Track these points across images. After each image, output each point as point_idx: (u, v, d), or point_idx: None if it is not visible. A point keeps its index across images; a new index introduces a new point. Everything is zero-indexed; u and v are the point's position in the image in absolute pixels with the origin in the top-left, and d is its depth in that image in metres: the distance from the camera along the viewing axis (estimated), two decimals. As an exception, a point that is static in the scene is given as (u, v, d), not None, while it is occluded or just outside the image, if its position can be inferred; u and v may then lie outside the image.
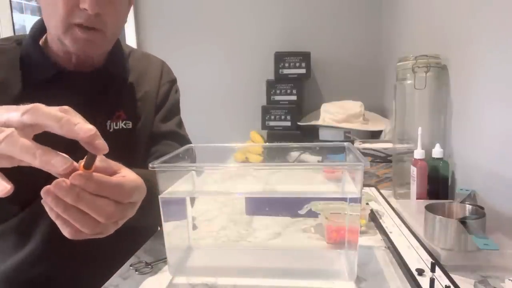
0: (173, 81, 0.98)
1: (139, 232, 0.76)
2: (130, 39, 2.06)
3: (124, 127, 0.83)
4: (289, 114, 1.75)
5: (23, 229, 0.76)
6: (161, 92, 0.93)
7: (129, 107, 0.85)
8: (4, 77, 0.72)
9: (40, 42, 0.78)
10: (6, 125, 0.38)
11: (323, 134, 1.62)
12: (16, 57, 0.75)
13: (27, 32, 0.80)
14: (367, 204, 0.83)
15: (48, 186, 0.40)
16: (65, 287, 0.78)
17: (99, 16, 0.70)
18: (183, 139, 0.93)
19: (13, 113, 0.39)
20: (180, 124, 0.97)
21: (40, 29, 0.79)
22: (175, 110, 0.97)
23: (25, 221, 0.75)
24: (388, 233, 0.71)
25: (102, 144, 0.40)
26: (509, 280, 0.51)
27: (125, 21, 0.80)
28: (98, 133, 0.40)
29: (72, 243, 0.67)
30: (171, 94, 0.96)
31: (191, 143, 0.95)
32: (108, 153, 0.41)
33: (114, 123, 0.82)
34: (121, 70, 0.84)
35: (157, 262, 0.65)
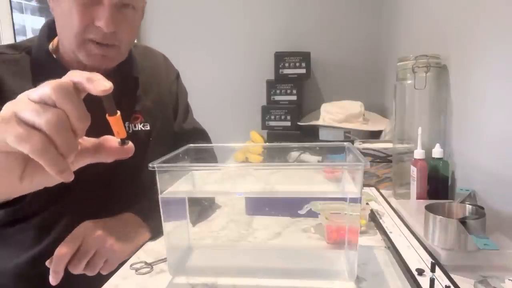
0: (178, 75, 1.02)
1: None
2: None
3: (143, 128, 0.85)
4: (289, 114, 1.75)
5: (42, 226, 0.77)
6: (172, 91, 0.97)
7: (145, 109, 0.87)
8: (18, 86, 0.73)
9: (49, 47, 0.79)
10: (42, 99, 0.36)
11: (323, 134, 1.62)
12: (27, 66, 0.76)
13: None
14: (367, 204, 0.83)
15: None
16: (73, 283, 0.79)
17: (114, 33, 0.70)
18: (203, 133, 1.03)
19: (42, 88, 0.36)
20: (193, 117, 1.04)
21: (48, 33, 0.79)
22: (187, 104, 1.03)
23: (46, 219, 0.77)
24: (388, 233, 0.71)
25: (101, 82, 0.38)
26: (509, 280, 0.51)
27: (137, 33, 0.81)
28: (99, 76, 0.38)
29: None
30: (181, 91, 1.01)
31: (207, 134, 1.06)
32: None
33: (133, 125, 0.84)
34: (133, 70, 0.86)
35: (157, 262, 0.65)
